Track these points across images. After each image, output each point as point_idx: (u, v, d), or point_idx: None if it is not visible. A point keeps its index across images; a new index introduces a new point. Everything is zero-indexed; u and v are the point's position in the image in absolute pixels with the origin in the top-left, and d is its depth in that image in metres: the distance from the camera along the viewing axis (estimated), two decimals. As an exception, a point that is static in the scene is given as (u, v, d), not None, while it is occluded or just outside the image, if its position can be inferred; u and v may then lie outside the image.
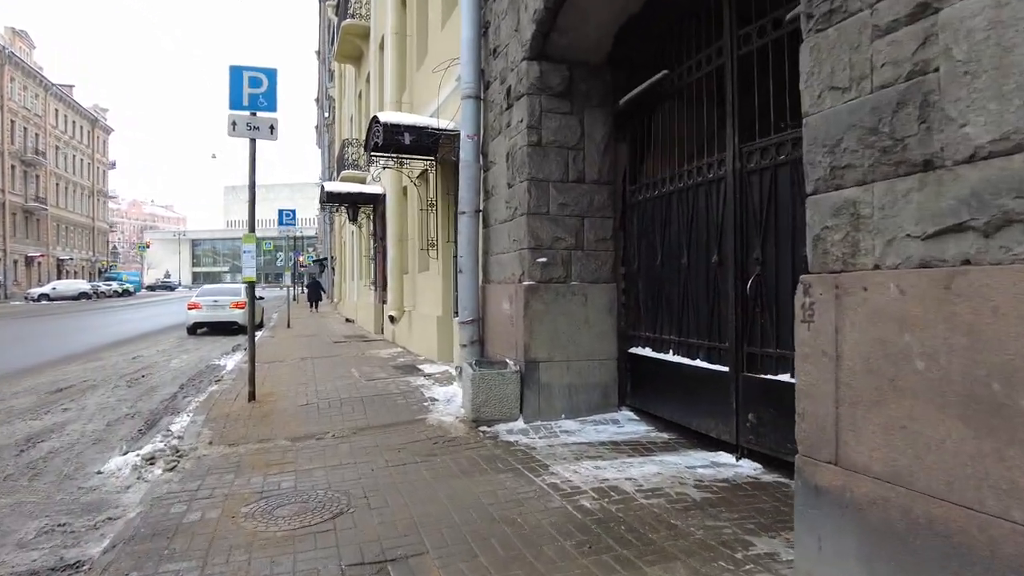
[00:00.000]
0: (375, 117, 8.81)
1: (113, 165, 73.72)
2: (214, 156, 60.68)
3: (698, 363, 5.09)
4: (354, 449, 5.19)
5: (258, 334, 17.46)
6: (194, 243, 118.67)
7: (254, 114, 7.14)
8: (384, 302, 15.36)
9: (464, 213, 7.01)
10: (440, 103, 8.99)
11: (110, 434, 6.43)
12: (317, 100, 55.52)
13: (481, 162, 7.20)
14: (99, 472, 5.04)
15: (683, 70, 5.36)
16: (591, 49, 6.03)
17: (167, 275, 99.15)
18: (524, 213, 6.12)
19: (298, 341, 14.54)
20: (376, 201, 15.09)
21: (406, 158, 9.80)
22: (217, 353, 13.52)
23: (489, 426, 5.74)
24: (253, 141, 7.23)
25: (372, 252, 16.14)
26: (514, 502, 3.83)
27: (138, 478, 4.77)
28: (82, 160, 66.05)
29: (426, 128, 8.51)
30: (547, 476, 4.31)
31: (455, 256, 9.41)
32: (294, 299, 43.01)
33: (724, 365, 4.75)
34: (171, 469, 4.77)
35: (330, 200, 14.67)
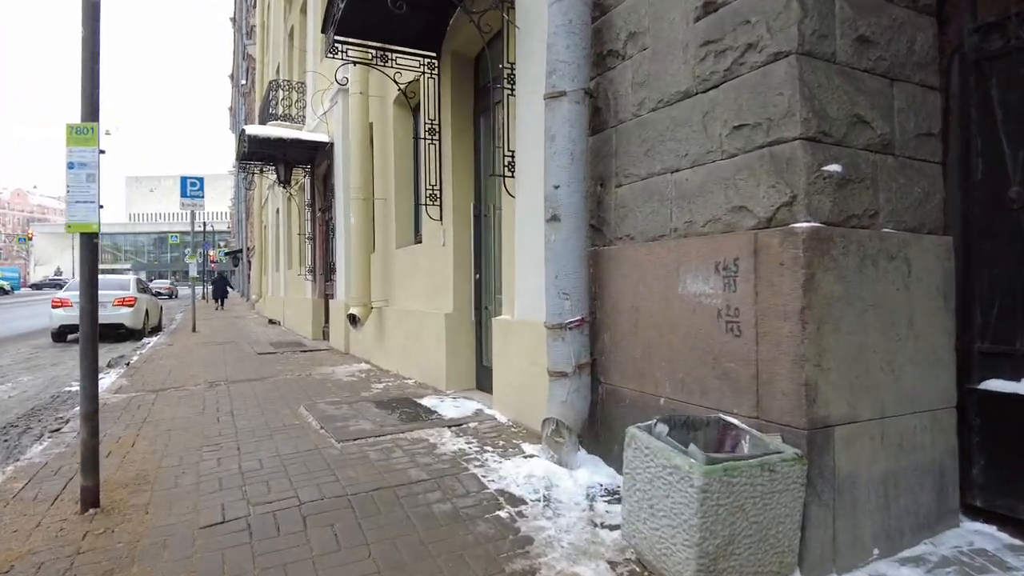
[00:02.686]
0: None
1: (-13, 145, 63.99)
2: (108, 132, 53.04)
3: None
4: None
5: (152, 340, 12.87)
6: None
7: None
8: (329, 296, 11.24)
9: (558, 95, 3.34)
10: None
11: None
12: (231, 76, 49.70)
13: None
14: None
15: None
16: None
17: (58, 272, 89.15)
18: (790, 52, 2.45)
19: (206, 352, 10.22)
20: (317, 156, 10.94)
21: (394, 50, 5.89)
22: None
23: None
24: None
25: (310, 230, 11.98)
26: None
27: None
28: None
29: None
30: None
31: (477, 215, 5.61)
32: (202, 297, 37.52)
33: None
34: None
35: (251, 153, 10.43)
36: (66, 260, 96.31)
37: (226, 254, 46.65)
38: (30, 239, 69.92)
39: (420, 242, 6.80)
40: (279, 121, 12.46)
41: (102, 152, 2.96)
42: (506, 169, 4.59)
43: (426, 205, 6.07)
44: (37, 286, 69.16)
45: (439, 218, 6.08)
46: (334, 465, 3.63)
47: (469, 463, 3.59)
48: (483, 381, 5.77)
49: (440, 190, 6.07)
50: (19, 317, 21.84)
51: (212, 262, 47.79)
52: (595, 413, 3.55)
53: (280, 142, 9.73)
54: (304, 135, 10.03)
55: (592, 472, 3.36)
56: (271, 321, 16.99)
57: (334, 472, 3.50)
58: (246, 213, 35.41)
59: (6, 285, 53.11)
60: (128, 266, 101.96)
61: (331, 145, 10.04)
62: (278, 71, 16.25)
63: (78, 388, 6.72)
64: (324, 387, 6.44)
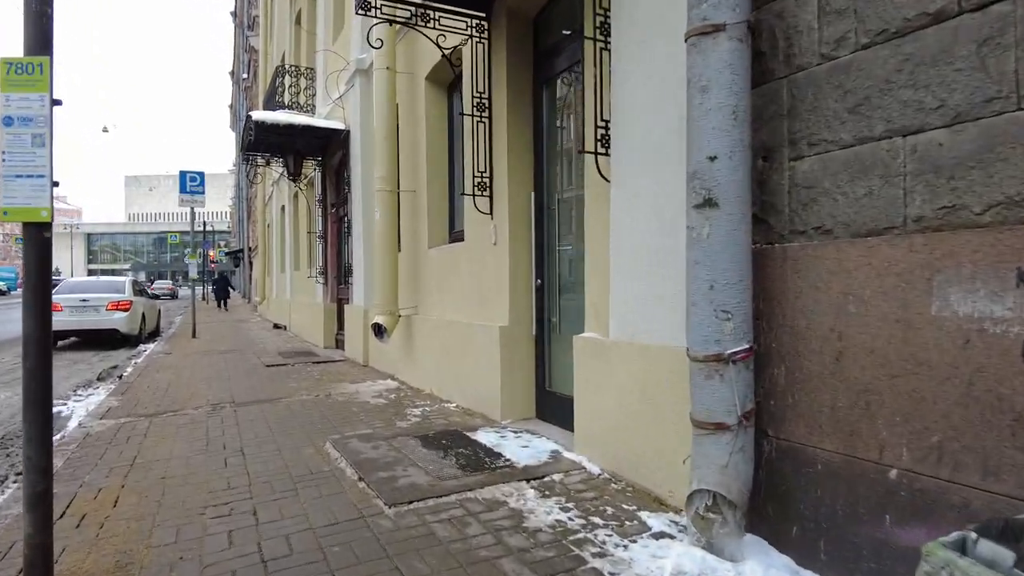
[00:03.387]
0: None
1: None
2: (106, 129, 52.20)
3: None
4: None
5: (149, 348, 11.85)
6: (90, 237, 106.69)
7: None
8: (343, 300, 10.22)
9: (711, 31, 2.41)
10: None
11: None
12: (232, 72, 48.69)
13: None
14: None
15: None
16: None
17: (56, 272, 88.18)
18: None
19: (208, 363, 9.20)
20: (330, 145, 9.92)
21: (437, 8, 4.87)
22: (64, 389, 8.03)
23: None
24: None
25: (321, 228, 10.96)
26: None
27: None
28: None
29: None
30: None
31: (540, 207, 4.63)
32: (202, 299, 36.48)
33: None
34: None
35: (257, 143, 9.39)
36: (64, 260, 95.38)
37: (226, 254, 45.71)
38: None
39: (461, 240, 5.79)
40: (286, 110, 11.43)
41: (57, 103, 1.95)
42: (598, 145, 3.57)
43: (473, 196, 5.04)
44: (35, 286, 67.85)
45: (489, 211, 5.06)
46: (392, 549, 2.61)
47: (581, 548, 2.56)
48: (547, 410, 4.75)
49: (491, 178, 5.05)
50: (7, 320, 20.82)
51: (212, 262, 46.89)
52: (757, 478, 2.53)
53: (290, 129, 8.70)
54: (317, 122, 9.00)
55: (765, 565, 2.35)
56: (276, 326, 15.97)
57: (396, 566, 2.48)
58: (247, 212, 34.42)
59: (2, 286, 52.13)
60: (128, 266, 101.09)
61: (347, 133, 9.01)
62: (283, 60, 15.22)
63: (63, 408, 5.67)
64: (349, 412, 5.42)
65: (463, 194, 5.01)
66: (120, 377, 8.45)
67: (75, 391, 7.72)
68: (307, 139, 9.45)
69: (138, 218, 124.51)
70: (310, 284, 12.23)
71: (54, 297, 12.68)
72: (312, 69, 11.88)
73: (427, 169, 6.47)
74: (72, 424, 5.57)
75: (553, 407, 4.67)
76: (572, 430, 3.98)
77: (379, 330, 6.64)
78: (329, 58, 9.65)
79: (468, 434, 4.40)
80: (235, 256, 41.21)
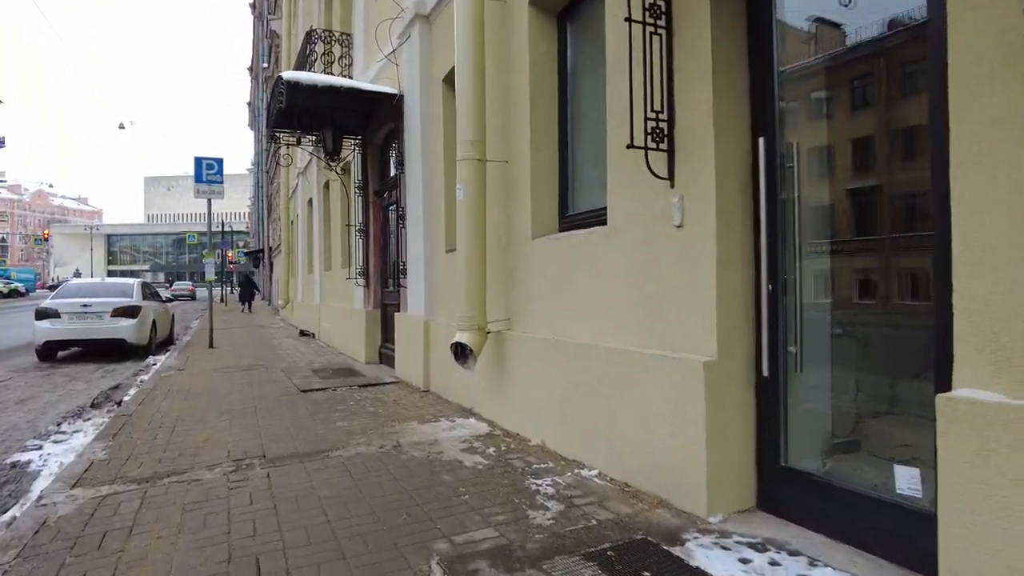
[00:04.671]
0: None
1: (1, 143, 62.33)
2: (122, 126, 51.09)
3: None
4: None
5: (159, 361, 10.11)
6: (109, 238, 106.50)
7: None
8: (389, 307, 8.42)
9: None
10: None
11: None
12: (250, 68, 47.34)
13: None
14: None
15: None
16: None
17: (76, 273, 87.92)
18: None
19: (228, 385, 7.42)
20: (374, 117, 8.10)
21: None
22: (48, 421, 6.31)
23: None
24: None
25: (362, 220, 9.16)
26: None
27: None
28: (-41, 134, 54.94)
29: None
30: None
31: (771, 164, 2.74)
32: (220, 300, 34.97)
33: None
34: None
35: (288, 115, 7.56)
36: (84, 261, 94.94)
37: (245, 254, 44.39)
38: (46, 239, 68.16)
39: (593, 224, 3.94)
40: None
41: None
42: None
43: (645, 150, 3.17)
44: (54, 287, 67.35)
45: (668, 175, 3.20)
46: None
47: None
48: (780, 498, 2.87)
49: (670, 120, 3.19)
50: (14, 325, 19.35)
51: (231, 262, 45.52)
52: None
53: (331, 93, 6.89)
54: (364, 84, 7.19)
55: None
56: (303, 332, 14.23)
57: None
58: (268, 208, 32.86)
59: (21, 287, 51.25)
60: (147, 267, 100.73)
61: (399, 99, 7.20)
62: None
63: (34, 456, 4.05)
64: (439, 483, 3.58)
65: (631, 146, 3.14)
66: (118, 404, 6.72)
67: (59, 425, 5.98)
68: (347, 110, 7.64)
69: (157, 219, 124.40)
70: (346, 286, 10.45)
71: (52, 302, 11.06)
72: (348, 35, 10.09)
73: (530, 132, 4.63)
74: (33, 494, 3.80)
75: (794, 494, 2.80)
76: (845, 539, 2.12)
77: (462, 352, 4.80)
78: (373, 7, 7.85)
79: (678, 555, 2.53)
80: (255, 256, 39.77)
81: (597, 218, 3.98)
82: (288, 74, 6.76)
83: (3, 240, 72.40)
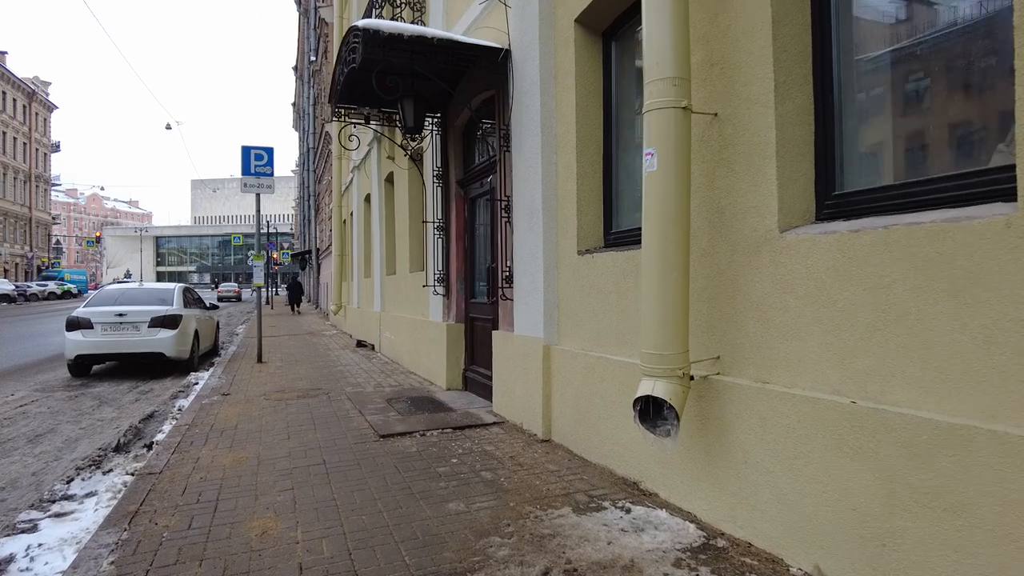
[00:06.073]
0: None
1: (57, 147, 63.37)
2: (168, 127, 50.80)
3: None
4: None
5: (201, 380, 8.64)
6: (158, 240, 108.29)
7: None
8: (478, 321, 6.78)
9: None
10: None
11: None
12: (295, 67, 46.61)
13: None
14: None
15: None
16: None
17: (127, 274, 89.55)
18: None
19: (284, 423, 5.84)
20: (461, 85, 6.45)
21: None
22: (68, 463, 4.85)
23: None
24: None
25: (441, 215, 7.54)
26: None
27: None
28: (15, 139, 55.84)
29: None
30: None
31: None
32: (267, 303, 34.02)
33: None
34: None
35: (357, 81, 5.93)
36: (135, 262, 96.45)
37: (291, 256, 43.63)
38: (98, 240, 69.14)
39: (980, 203, 2.17)
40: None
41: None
42: None
43: None
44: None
45: None
46: None
47: None
48: None
49: None
50: (56, 331, 18.37)
51: (276, 264, 44.79)
52: None
53: (422, 45, 5.24)
54: (462, 37, 5.53)
55: None
56: (360, 343, 12.72)
57: None
58: (315, 208, 31.75)
59: (74, 288, 51.65)
60: (193, 269, 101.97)
61: (505, 55, 5.53)
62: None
63: (19, 549, 2.51)
64: None
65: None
66: (148, 447, 5.21)
67: (69, 484, 4.48)
68: (430, 75, 5.98)
69: (203, 221, 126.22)
70: (417, 294, 8.84)
71: (84, 311, 9.69)
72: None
73: (774, 67, 2.88)
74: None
75: None
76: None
77: (656, 411, 3.06)
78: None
79: None
80: (302, 258, 38.83)
81: (959, 195, 2.20)
82: (364, 22, 5.14)
83: (59, 243, 73.90)
